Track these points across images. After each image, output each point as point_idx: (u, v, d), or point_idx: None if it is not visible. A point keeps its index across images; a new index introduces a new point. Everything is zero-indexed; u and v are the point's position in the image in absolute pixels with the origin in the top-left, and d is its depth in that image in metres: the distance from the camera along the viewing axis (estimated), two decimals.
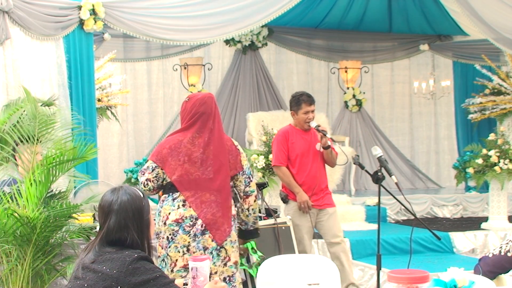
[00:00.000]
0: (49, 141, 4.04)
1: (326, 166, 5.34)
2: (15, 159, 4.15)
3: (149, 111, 9.81)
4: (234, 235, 3.71)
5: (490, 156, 7.60)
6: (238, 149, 3.84)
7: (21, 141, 3.99)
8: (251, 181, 3.82)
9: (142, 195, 2.53)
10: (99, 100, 7.40)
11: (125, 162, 9.40)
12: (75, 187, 5.04)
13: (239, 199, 3.82)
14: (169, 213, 3.63)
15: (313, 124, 5.13)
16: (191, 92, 9.28)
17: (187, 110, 3.75)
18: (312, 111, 5.20)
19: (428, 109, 11.16)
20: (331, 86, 10.70)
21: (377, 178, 4.18)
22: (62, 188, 4.12)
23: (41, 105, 4.55)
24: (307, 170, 5.18)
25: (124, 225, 2.44)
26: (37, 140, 4.01)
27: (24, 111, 4.24)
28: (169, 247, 3.62)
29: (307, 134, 5.25)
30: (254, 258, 2.96)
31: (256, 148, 8.37)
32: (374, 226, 7.23)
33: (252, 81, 10.10)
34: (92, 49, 6.13)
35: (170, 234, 3.62)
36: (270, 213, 5.04)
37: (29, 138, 3.99)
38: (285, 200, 5.30)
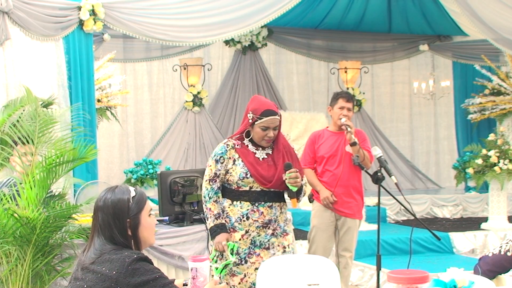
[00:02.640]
0: (49, 142, 4.04)
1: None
2: (11, 161, 4.14)
3: (149, 112, 9.82)
4: None
5: (490, 157, 7.60)
6: None
7: (22, 142, 3.98)
8: None
9: (133, 195, 2.51)
10: (98, 100, 7.40)
11: (126, 162, 9.40)
12: (75, 190, 5.04)
13: None
14: None
15: (342, 120, 5.00)
16: (191, 92, 9.29)
17: None
18: (348, 109, 5.04)
19: (428, 110, 11.16)
20: (331, 86, 10.71)
21: (376, 179, 4.17)
22: (61, 189, 4.12)
23: (40, 105, 4.55)
24: (332, 171, 5.03)
25: (107, 222, 2.46)
26: (37, 140, 4.00)
27: (23, 111, 4.24)
28: None
29: (338, 135, 5.06)
30: (229, 258, 2.96)
31: None
32: (374, 227, 7.23)
33: (252, 82, 10.10)
34: (91, 50, 6.13)
35: None
36: None
37: (29, 139, 3.99)
38: (310, 199, 5.23)
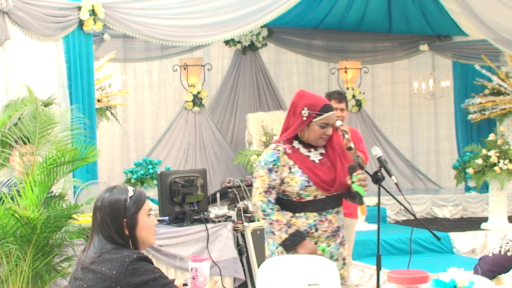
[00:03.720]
0: (49, 142, 4.04)
1: None
2: (11, 161, 4.14)
3: (150, 112, 9.82)
4: None
5: (490, 157, 7.60)
6: None
7: (23, 142, 3.98)
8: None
9: (131, 195, 2.51)
10: (98, 100, 7.40)
11: (126, 162, 9.39)
12: (74, 191, 5.04)
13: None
14: None
15: (338, 123, 4.97)
16: (191, 92, 9.29)
17: None
18: (341, 109, 4.98)
19: (428, 110, 11.16)
20: (331, 86, 10.70)
21: (376, 179, 4.16)
22: (61, 190, 4.11)
23: (40, 105, 4.54)
24: None
25: (105, 222, 2.47)
26: (38, 140, 4.00)
27: (23, 112, 4.24)
28: None
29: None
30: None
31: (256, 148, 8.38)
32: (374, 227, 7.23)
33: (252, 82, 10.10)
34: (91, 50, 6.13)
35: None
36: None
37: (30, 139, 3.99)
38: None
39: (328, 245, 3.33)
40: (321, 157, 3.37)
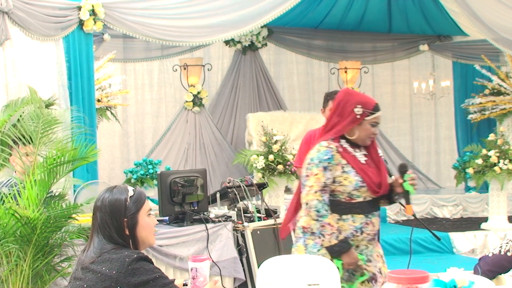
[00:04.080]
0: (51, 142, 4.04)
1: None
2: (11, 161, 4.14)
3: (150, 112, 9.82)
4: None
5: (490, 157, 7.60)
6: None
7: (23, 143, 3.98)
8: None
9: (131, 194, 2.51)
10: (98, 100, 7.40)
11: (126, 162, 9.40)
12: (74, 190, 5.04)
13: None
14: None
15: None
16: (191, 92, 9.29)
17: None
18: None
19: (428, 110, 11.17)
20: (331, 86, 10.71)
21: None
22: (61, 190, 4.11)
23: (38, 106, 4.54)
24: None
25: (105, 222, 2.47)
26: (39, 141, 4.00)
27: (23, 112, 4.23)
28: None
29: None
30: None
31: (256, 148, 8.37)
32: None
33: (252, 82, 10.10)
34: (91, 50, 6.13)
35: None
36: (270, 213, 5.04)
37: (31, 139, 3.99)
38: None
39: (367, 247, 3.27)
40: (365, 158, 3.30)
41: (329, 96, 5.16)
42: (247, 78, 10.08)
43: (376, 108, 3.25)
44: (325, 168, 3.17)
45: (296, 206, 3.40)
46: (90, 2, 5.86)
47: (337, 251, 3.15)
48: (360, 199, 3.21)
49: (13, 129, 4.03)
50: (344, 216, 3.20)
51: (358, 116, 3.21)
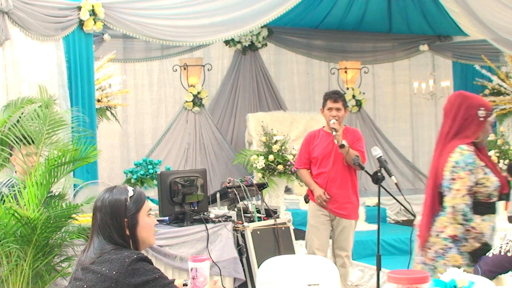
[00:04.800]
0: (54, 143, 4.03)
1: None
2: (12, 161, 4.14)
3: (150, 112, 9.82)
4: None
5: (490, 157, 7.59)
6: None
7: (24, 143, 3.98)
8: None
9: (131, 195, 2.51)
10: (98, 100, 7.40)
11: (126, 162, 9.40)
12: (74, 189, 5.04)
13: None
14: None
15: (331, 122, 5.03)
16: (191, 92, 9.28)
17: None
18: (337, 109, 5.08)
19: (429, 110, 11.16)
20: (331, 86, 10.70)
21: (376, 179, 4.18)
22: (61, 190, 4.11)
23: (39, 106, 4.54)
24: (325, 172, 5.08)
25: (105, 222, 2.47)
26: (44, 141, 4.00)
27: (22, 113, 4.23)
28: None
29: (332, 136, 5.07)
30: None
31: (256, 148, 8.37)
32: (374, 227, 7.23)
33: (252, 82, 10.10)
34: (91, 50, 6.13)
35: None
36: (270, 213, 5.05)
37: (32, 139, 3.99)
38: (306, 199, 5.29)
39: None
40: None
41: (327, 96, 5.19)
42: (247, 78, 10.08)
43: (491, 108, 3.32)
44: (470, 171, 3.21)
45: (430, 211, 3.45)
46: (90, 2, 5.86)
47: (480, 254, 3.20)
48: (495, 199, 3.30)
49: (15, 128, 4.04)
50: (484, 217, 3.27)
51: (482, 119, 3.25)
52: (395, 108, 11.12)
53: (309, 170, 5.24)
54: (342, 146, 4.92)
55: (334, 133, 4.92)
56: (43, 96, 4.32)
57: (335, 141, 4.97)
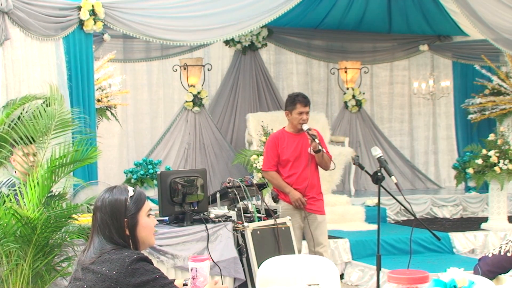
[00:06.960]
0: (62, 142, 4.03)
1: (322, 171, 5.34)
2: (11, 160, 4.14)
3: (149, 112, 9.82)
4: None
5: (490, 157, 7.60)
6: None
7: (25, 142, 3.97)
8: None
9: (131, 195, 2.51)
10: (98, 100, 7.40)
11: (125, 162, 9.39)
12: (73, 189, 5.04)
13: None
14: None
15: (305, 127, 5.14)
16: (191, 92, 9.28)
17: None
18: (307, 113, 5.20)
19: (428, 110, 11.16)
20: (331, 86, 10.71)
21: (376, 179, 4.18)
22: (61, 189, 4.11)
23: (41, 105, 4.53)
24: (298, 173, 5.23)
25: (105, 222, 2.47)
26: (49, 141, 4.00)
27: (21, 113, 4.23)
28: None
29: (299, 137, 5.23)
30: None
31: (256, 148, 8.38)
32: (374, 227, 7.23)
33: (252, 82, 10.10)
34: (91, 50, 6.13)
35: None
36: (270, 213, 5.05)
37: (33, 139, 3.98)
38: (275, 199, 5.37)
39: None
40: None
41: (297, 100, 5.32)
42: (247, 78, 10.08)
43: None
44: None
45: None
46: (90, 2, 5.86)
47: None
48: None
49: (16, 126, 4.03)
50: None
51: None
52: (394, 108, 11.11)
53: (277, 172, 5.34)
54: (318, 151, 5.08)
55: (317, 140, 5.04)
56: (53, 95, 4.31)
57: (313, 147, 5.09)
